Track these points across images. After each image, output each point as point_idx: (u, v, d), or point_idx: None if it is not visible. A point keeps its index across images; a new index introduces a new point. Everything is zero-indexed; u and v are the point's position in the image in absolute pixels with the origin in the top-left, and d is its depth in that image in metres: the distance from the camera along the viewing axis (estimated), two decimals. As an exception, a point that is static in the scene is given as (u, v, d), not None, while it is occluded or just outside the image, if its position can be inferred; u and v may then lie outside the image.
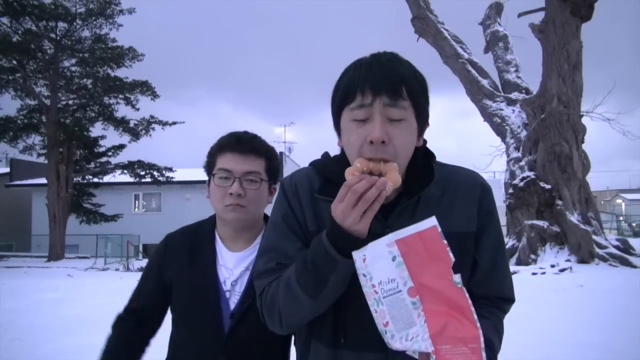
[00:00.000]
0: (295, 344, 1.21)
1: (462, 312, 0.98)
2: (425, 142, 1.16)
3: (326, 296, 1.03)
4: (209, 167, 1.51)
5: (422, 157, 1.15)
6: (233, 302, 1.45)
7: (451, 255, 0.99)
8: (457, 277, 0.99)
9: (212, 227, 1.55)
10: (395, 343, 0.99)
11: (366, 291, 1.00)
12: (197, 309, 1.45)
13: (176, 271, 1.50)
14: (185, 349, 1.47)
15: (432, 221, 1.00)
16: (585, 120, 14.26)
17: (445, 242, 1.00)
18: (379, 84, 1.02)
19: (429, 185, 1.11)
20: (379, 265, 0.99)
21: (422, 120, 1.09)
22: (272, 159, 1.54)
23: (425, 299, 0.99)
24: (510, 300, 1.18)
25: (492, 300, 1.14)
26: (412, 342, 0.97)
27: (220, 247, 1.52)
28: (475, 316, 0.98)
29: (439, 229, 1.00)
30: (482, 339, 0.96)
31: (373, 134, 1.01)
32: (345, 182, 0.98)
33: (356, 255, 1.00)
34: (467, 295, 0.99)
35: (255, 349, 1.43)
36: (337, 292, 1.04)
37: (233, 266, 1.49)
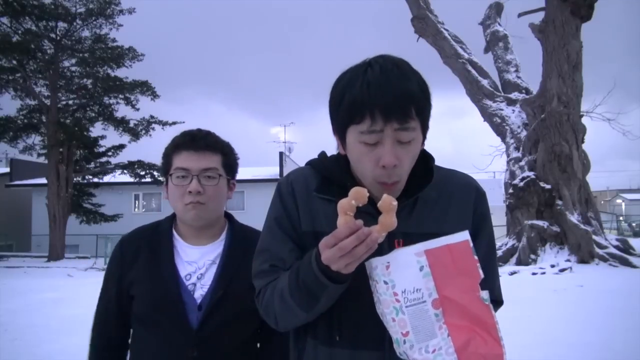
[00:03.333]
0: (290, 340, 1.22)
1: (486, 329, 0.97)
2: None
3: (319, 309, 1.06)
4: (165, 167, 1.51)
5: (421, 158, 1.16)
6: (200, 295, 1.44)
7: (480, 271, 0.99)
8: (485, 294, 0.99)
9: (170, 225, 1.54)
10: (414, 354, 0.97)
11: (385, 299, 0.99)
12: (159, 306, 1.42)
13: (135, 273, 1.47)
14: (152, 351, 1.44)
15: (464, 235, 1.00)
16: (584, 120, 14.27)
17: (476, 257, 0.99)
18: (390, 109, 1.01)
19: (427, 185, 1.12)
20: (405, 274, 0.98)
21: (426, 130, 1.11)
22: (228, 154, 1.54)
23: (447, 311, 0.97)
24: (499, 302, 1.19)
25: None
26: (435, 354, 0.96)
27: (180, 243, 1.51)
28: (500, 334, 0.97)
29: (471, 244, 0.99)
30: (505, 358, 0.95)
31: (385, 159, 1.02)
32: (335, 231, 0.95)
33: (378, 262, 0.99)
34: (493, 312, 0.99)
35: (229, 341, 1.43)
36: (330, 304, 1.06)
37: (198, 259, 1.48)
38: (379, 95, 1.01)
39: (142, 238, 1.53)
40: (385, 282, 0.98)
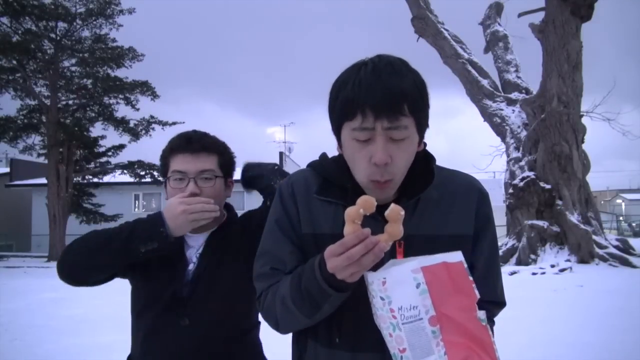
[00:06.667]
0: (291, 341, 1.22)
1: (483, 348, 0.96)
2: (425, 144, 1.16)
3: (321, 316, 1.06)
4: (163, 170, 1.55)
5: (422, 159, 1.15)
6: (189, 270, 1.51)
7: (476, 292, 0.98)
8: (482, 314, 0.98)
9: None
10: None
11: (382, 314, 0.98)
12: (162, 278, 1.48)
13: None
14: (148, 323, 1.49)
15: (458, 256, 0.99)
16: (584, 120, 14.27)
17: (471, 279, 0.98)
18: (380, 106, 1.00)
19: (428, 186, 1.11)
20: (401, 291, 0.96)
21: (423, 129, 1.09)
22: (224, 154, 1.57)
23: (445, 329, 0.96)
24: (502, 304, 1.19)
25: (483, 304, 1.15)
26: None
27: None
28: (497, 354, 0.97)
29: (465, 265, 0.99)
30: None
31: (376, 157, 1.01)
32: (343, 240, 0.94)
33: (374, 277, 0.98)
34: (490, 332, 0.98)
35: (217, 310, 1.47)
36: (332, 311, 1.05)
37: (195, 245, 1.55)
38: (369, 93, 1.01)
39: None
40: (382, 298, 0.97)
